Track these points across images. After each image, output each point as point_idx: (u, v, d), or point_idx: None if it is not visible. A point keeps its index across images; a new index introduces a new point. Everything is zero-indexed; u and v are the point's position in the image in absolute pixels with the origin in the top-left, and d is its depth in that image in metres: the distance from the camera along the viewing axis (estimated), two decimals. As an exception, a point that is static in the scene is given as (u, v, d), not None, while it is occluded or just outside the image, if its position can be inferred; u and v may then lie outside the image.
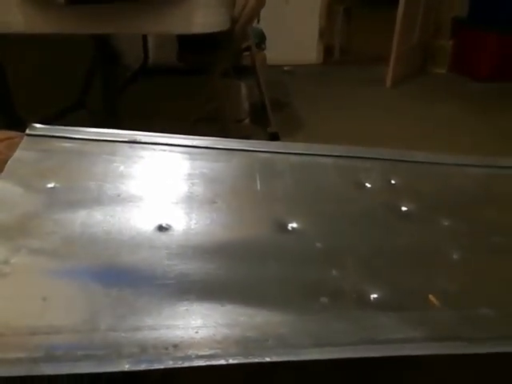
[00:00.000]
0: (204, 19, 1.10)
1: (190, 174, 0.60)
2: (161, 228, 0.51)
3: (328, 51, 4.04)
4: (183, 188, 0.58)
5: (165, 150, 0.64)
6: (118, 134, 0.64)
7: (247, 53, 2.32)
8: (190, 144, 0.65)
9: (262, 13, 3.10)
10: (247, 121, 2.18)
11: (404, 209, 0.58)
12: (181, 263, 0.46)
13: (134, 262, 0.46)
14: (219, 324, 0.38)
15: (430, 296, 0.43)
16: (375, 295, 0.43)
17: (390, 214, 0.56)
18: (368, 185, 0.61)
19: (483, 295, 0.45)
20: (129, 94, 2.47)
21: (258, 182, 0.59)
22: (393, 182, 0.63)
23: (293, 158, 0.64)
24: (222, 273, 0.45)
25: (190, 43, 2.35)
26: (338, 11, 4.00)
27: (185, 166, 0.62)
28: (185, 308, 0.40)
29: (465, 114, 2.88)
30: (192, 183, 0.59)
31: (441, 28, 3.71)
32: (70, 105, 1.82)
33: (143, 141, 0.64)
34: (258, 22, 3.31)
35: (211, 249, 0.48)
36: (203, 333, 0.37)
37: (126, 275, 0.44)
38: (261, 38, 2.54)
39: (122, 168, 0.60)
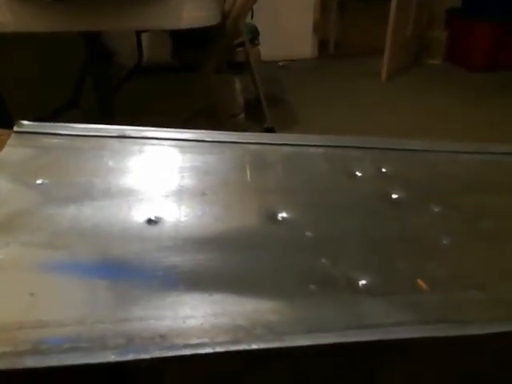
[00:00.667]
0: (193, 14, 1.09)
1: (179, 167, 0.60)
2: (151, 221, 0.51)
3: (323, 45, 4.04)
4: (173, 181, 0.58)
5: (154, 144, 0.63)
6: (107, 129, 0.63)
7: (241, 48, 2.31)
8: (179, 137, 0.65)
9: (256, 8, 3.09)
10: (242, 116, 2.17)
11: (394, 196, 0.58)
12: (170, 255, 0.46)
13: (123, 255, 0.46)
14: (208, 314, 0.38)
15: (419, 280, 0.43)
16: (364, 281, 0.43)
17: (381, 202, 0.56)
18: (359, 174, 0.61)
19: (472, 279, 0.45)
20: (124, 92, 2.46)
21: (249, 174, 0.59)
22: (383, 170, 0.62)
23: (283, 148, 0.63)
24: (212, 264, 0.45)
25: (183, 40, 2.34)
26: (332, 5, 3.99)
27: (174, 159, 0.62)
28: (173, 299, 0.40)
29: (460, 104, 2.87)
30: (182, 176, 0.58)
31: (435, 19, 3.70)
32: (63, 104, 1.81)
33: (132, 135, 0.63)
34: (252, 17, 3.31)
35: (201, 240, 0.48)
36: (191, 322, 0.37)
37: (115, 268, 0.44)
38: (254, 34, 2.53)
39: (111, 163, 0.59)
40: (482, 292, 0.42)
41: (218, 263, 0.45)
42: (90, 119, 1.77)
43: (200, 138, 0.65)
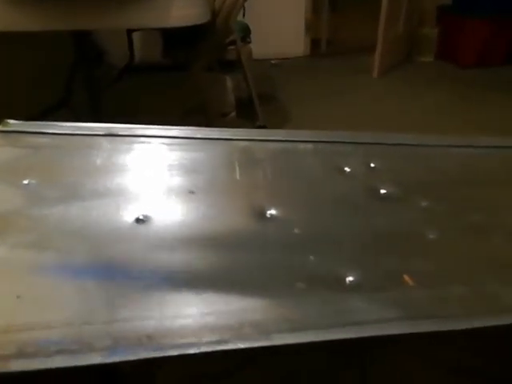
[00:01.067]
0: (182, 12, 1.08)
1: (168, 165, 0.59)
2: (139, 220, 0.50)
3: (315, 43, 4.03)
4: (161, 179, 0.57)
5: (143, 142, 0.63)
6: (94, 127, 0.63)
7: (232, 47, 2.30)
8: (167, 135, 0.64)
9: (248, 6, 3.08)
10: (233, 114, 2.17)
11: (383, 191, 0.57)
12: (158, 254, 0.45)
13: (111, 256, 0.45)
14: (195, 313, 0.38)
15: (405, 276, 0.43)
16: (351, 278, 0.43)
17: (369, 198, 0.56)
18: (348, 169, 0.61)
19: (458, 274, 0.45)
20: (115, 91, 2.45)
21: (238, 171, 0.58)
22: (372, 165, 0.62)
23: (272, 145, 0.63)
24: (199, 262, 0.44)
25: (174, 39, 2.33)
26: (324, 3, 3.99)
27: (163, 157, 0.61)
28: (160, 299, 0.39)
29: (451, 101, 2.88)
30: (170, 174, 0.58)
31: (426, 16, 3.71)
32: (53, 104, 1.80)
33: (120, 133, 0.63)
34: (244, 15, 3.30)
35: (189, 239, 0.48)
36: (178, 322, 0.37)
37: (103, 269, 0.44)
38: (245, 32, 2.53)
39: (99, 161, 0.59)
40: (468, 287, 0.42)
41: (206, 262, 0.44)
42: (80, 118, 1.75)
43: (188, 135, 0.65)
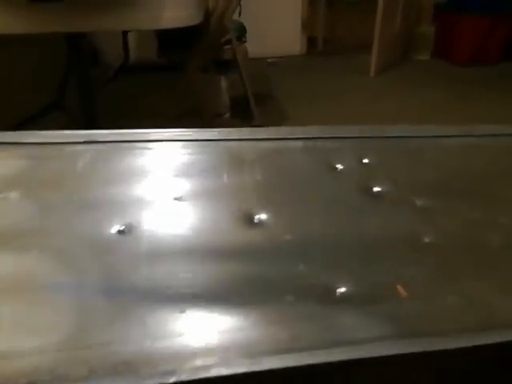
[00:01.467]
0: (174, 14, 1.07)
1: (150, 171, 0.58)
2: (121, 232, 0.49)
3: (311, 42, 4.02)
4: (144, 186, 0.55)
5: (125, 148, 0.61)
6: (74, 134, 0.61)
7: (228, 46, 2.29)
8: (151, 139, 0.62)
9: (244, 5, 3.06)
10: (228, 115, 2.15)
11: (376, 190, 0.55)
12: (139, 269, 0.44)
13: (89, 271, 0.43)
14: (176, 334, 0.36)
15: (398, 287, 0.41)
16: (343, 289, 0.41)
17: (362, 197, 0.54)
18: (339, 166, 0.58)
19: (453, 283, 0.43)
20: (110, 92, 2.43)
21: (225, 173, 0.57)
22: (365, 161, 0.60)
23: (261, 144, 0.61)
24: (183, 276, 0.43)
25: (168, 39, 2.32)
26: (320, 1, 3.98)
27: (146, 162, 0.59)
28: (140, 319, 0.38)
29: (447, 99, 2.87)
30: (154, 180, 0.56)
31: (422, 14, 3.70)
32: (46, 106, 1.78)
33: (100, 140, 0.61)
34: (240, 14, 3.28)
35: (172, 250, 0.46)
36: (158, 345, 0.35)
37: (81, 286, 0.42)
38: (241, 31, 2.51)
39: (78, 170, 0.57)
40: (463, 298, 0.41)
41: (189, 276, 0.43)
42: (74, 120, 1.74)
43: (173, 138, 0.63)
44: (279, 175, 0.58)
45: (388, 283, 0.43)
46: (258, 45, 3.06)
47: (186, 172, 0.57)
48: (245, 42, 2.54)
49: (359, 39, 3.71)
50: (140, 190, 0.55)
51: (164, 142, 0.62)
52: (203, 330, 0.37)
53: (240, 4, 2.54)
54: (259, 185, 0.56)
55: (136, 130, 0.63)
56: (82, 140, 0.60)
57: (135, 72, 2.87)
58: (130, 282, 0.41)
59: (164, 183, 0.56)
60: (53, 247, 0.46)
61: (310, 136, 0.64)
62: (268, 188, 0.56)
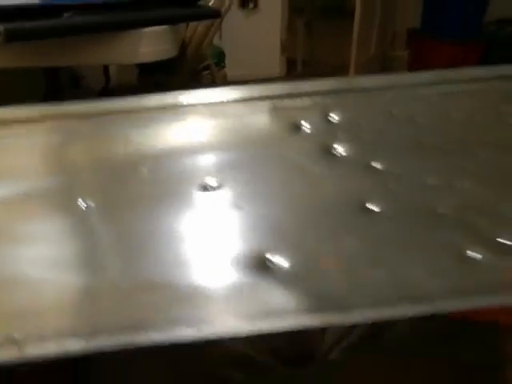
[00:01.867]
0: (149, 49, 1.12)
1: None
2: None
3: (290, 64, 4.11)
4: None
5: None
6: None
7: (207, 72, 2.34)
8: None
9: (223, 28, 3.13)
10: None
11: (338, 152, 0.49)
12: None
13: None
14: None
15: (324, 258, 0.40)
16: (271, 257, 0.40)
17: (317, 159, 0.48)
18: (305, 126, 0.52)
19: (382, 256, 0.40)
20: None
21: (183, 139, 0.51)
22: (331, 118, 0.52)
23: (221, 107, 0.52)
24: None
25: (148, 65, 2.36)
26: (299, 24, 4.08)
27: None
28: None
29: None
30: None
31: (397, 39, 3.82)
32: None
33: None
34: (221, 37, 3.35)
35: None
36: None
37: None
38: (220, 57, 2.58)
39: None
40: (387, 272, 0.39)
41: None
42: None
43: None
44: (239, 140, 0.51)
45: (317, 255, 0.41)
46: (237, 67, 3.12)
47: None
48: (224, 67, 2.61)
49: (337, 61, 3.80)
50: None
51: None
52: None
53: (220, 28, 2.61)
54: (213, 150, 0.50)
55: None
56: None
57: (116, 95, 2.90)
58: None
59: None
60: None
61: (277, 94, 0.54)
62: (223, 154, 0.50)
